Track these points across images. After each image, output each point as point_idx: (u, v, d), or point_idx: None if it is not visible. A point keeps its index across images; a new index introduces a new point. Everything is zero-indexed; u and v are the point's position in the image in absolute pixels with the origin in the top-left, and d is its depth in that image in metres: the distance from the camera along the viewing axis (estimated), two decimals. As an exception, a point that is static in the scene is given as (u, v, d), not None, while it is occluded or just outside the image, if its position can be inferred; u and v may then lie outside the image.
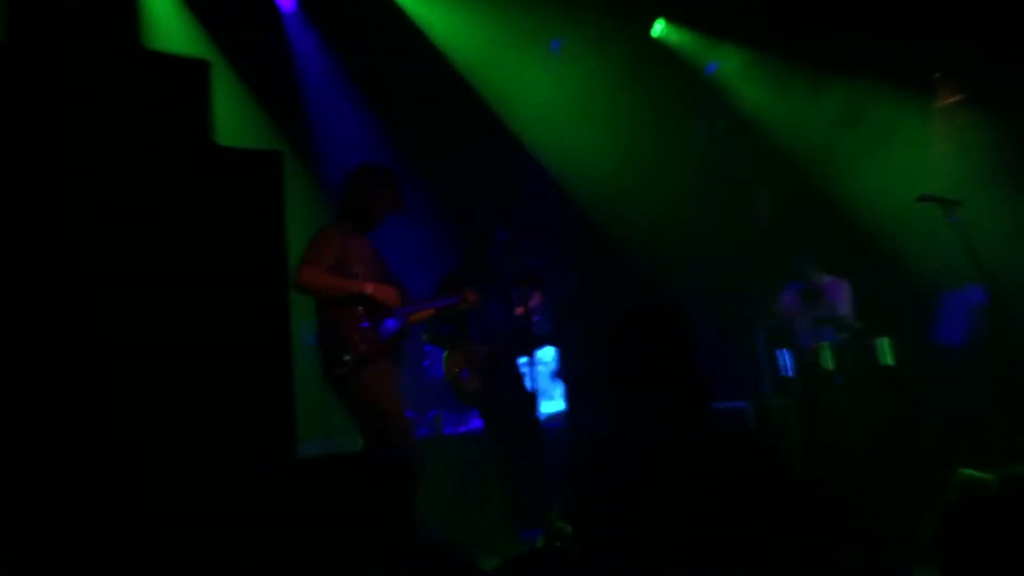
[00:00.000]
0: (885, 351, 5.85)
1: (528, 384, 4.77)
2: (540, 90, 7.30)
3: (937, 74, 7.55)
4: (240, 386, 2.11)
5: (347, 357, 4.02)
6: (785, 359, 6.01)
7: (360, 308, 4.12)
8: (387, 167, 4.59)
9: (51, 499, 1.84)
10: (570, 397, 6.39)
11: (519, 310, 4.81)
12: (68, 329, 1.93)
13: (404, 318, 4.28)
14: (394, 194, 4.41)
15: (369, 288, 4.11)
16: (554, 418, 6.53)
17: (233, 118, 5.76)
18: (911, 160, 7.33)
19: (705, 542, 1.85)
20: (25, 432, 1.85)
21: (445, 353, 5.01)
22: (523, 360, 4.95)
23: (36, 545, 1.80)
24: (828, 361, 5.82)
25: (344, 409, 4.24)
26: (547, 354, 6.85)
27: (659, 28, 7.53)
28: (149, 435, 1.97)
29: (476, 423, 6.01)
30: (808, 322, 6.13)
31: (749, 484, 1.94)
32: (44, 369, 1.89)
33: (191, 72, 2.22)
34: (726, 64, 7.83)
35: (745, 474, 1.95)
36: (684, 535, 1.85)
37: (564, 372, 6.58)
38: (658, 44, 7.63)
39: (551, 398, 6.48)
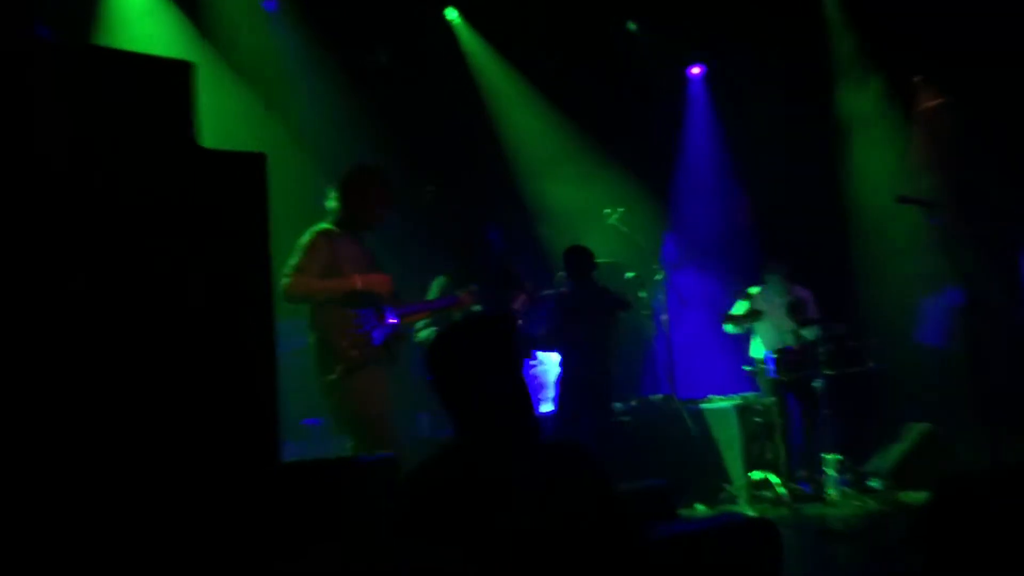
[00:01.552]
0: (869, 353, 5.90)
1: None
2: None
3: (917, 78, 7.62)
4: (222, 390, 2.10)
5: (338, 367, 4.02)
6: (769, 362, 6.04)
7: (351, 312, 4.10)
8: (375, 167, 4.53)
9: (32, 505, 1.83)
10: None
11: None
12: (44, 333, 1.91)
13: (398, 320, 4.27)
14: (383, 194, 4.37)
15: (358, 282, 4.09)
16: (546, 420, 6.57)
17: (232, 118, 5.72)
18: (892, 161, 7.41)
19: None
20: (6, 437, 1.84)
21: None
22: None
23: (24, 549, 1.79)
24: (811, 362, 5.85)
25: (332, 412, 4.23)
26: (546, 356, 6.86)
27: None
28: (129, 439, 1.96)
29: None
30: (791, 324, 6.16)
31: (571, 503, 1.90)
32: (19, 374, 1.87)
33: (173, 74, 2.21)
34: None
35: (569, 494, 1.92)
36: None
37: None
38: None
39: (545, 400, 6.48)
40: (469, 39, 7.44)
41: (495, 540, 1.83)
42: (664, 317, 6.60)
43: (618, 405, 6.25)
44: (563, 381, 5.80)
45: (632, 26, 7.62)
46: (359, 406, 4.08)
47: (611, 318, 5.82)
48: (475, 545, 1.81)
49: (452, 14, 7.36)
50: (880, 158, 7.43)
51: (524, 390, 2.03)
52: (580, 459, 2.01)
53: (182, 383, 2.04)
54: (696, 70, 8.16)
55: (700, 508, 5.77)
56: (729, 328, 6.33)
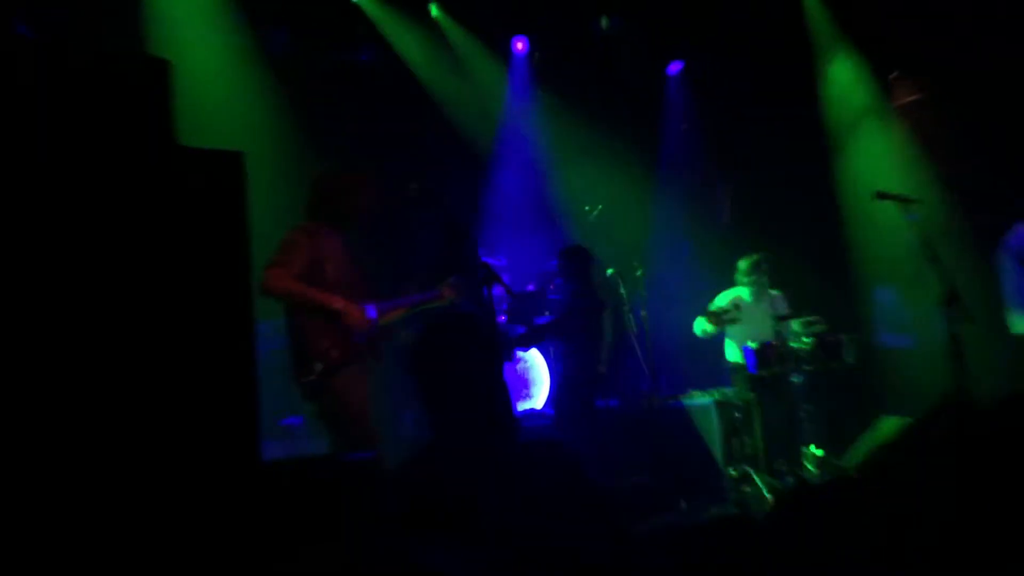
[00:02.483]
0: (848, 349, 5.94)
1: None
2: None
3: (894, 73, 7.68)
4: (202, 390, 2.09)
5: (318, 366, 3.98)
6: (749, 356, 6.07)
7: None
8: (361, 167, 4.50)
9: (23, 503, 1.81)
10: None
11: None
12: (24, 333, 1.89)
13: (378, 317, 4.25)
14: (368, 194, 4.35)
15: (338, 304, 4.03)
16: (530, 416, 6.58)
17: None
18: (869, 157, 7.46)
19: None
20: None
21: None
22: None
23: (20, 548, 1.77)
24: (790, 357, 5.90)
25: (313, 410, 4.20)
26: (530, 355, 6.86)
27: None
28: (110, 440, 1.94)
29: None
30: (764, 323, 6.21)
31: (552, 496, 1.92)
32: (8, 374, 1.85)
33: (152, 71, 2.18)
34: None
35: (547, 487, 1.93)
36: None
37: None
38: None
39: (529, 397, 6.49)
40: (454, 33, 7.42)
41: (477, 537, 1.83)
42: (644, 313, 6.61)
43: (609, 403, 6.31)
44: (565, 379, 5.88)
45: (605, 22, 7.62)
46: (339, 407, 4.04)
47: (602, 316, 5.89)
48: (458, 542, 1.81)
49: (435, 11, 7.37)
50: (866, 153, 7.48)
51: (504, 387, 2.03)
52: (560, 457, 2.02)
53: (162, 384, 2.02)
54: (674, 67, 8.18)
55: (681, 504, 5.79)
56: (701, 328, 6.35)
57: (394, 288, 4.74)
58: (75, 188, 2.01)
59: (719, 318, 6.20)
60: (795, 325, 6.03)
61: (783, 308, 6.41)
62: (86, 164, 2.03)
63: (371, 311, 4.21)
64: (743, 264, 6.50)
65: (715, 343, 6.53)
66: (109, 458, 1.92)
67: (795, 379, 5.95)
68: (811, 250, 7.05)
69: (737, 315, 6.21)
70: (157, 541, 1.86)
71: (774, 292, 6.48)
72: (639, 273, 6.51)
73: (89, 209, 2.01)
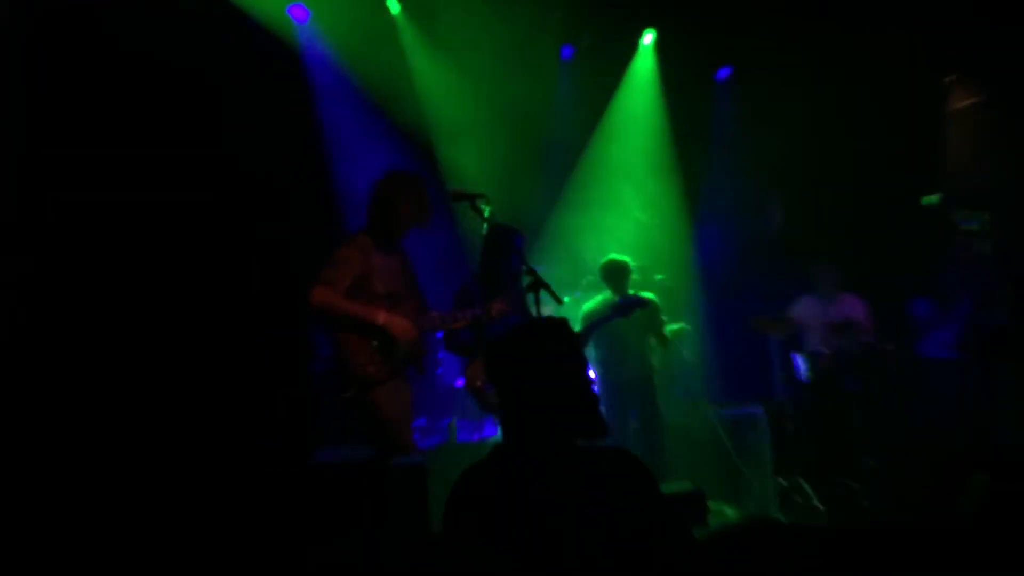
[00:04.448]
0: (897, 358, 5.84)
1: None
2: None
3: (951, 76, 7.52)
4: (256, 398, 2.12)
5: (355, 384, 4.00)
6: (799, 365, 5.99)
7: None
8: (414, 173, 4.44)
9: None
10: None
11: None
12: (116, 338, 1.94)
13: (426, 329, 4.26)
14: (420, 202, 4.29)
15: (381, 319, 4.03)
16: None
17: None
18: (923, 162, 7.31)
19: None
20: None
21: (467, 363, 4.95)
22: None
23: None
24: (842, 366, 5.80)
25: (354, 423, 4.23)
26: None
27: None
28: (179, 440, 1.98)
29: (491, 431, 6.00)
30: (822, 328, 6.11)
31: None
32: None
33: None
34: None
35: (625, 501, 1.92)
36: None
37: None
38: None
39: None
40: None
41: (543, 541, 1.83)
42: (694, 320, 6.57)
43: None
44: (607, 386, 5.90)
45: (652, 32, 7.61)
46: (377, 419, 4.07)
47: (640, 322, 5.87)
48: (522, 545, 1.82)
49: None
50: (910, 160, 7.33)
51: (583, 394, 2.04)
52: (630, 463, 2.02)
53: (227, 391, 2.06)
54: (723, 73, 8.10)
55: (729, 513, 5.72)
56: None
57: (451, 302, 4.74)
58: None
59: (772, 329, 6.13)
60: (844, 340, 5.94)
61: (861, 315, 6.28)
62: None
63: (420, 324, 4.22)
64: (812, 268, 6.44)
65: (769, 350, 6.44)
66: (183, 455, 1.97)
67: (850, 389, 5.84)
68: (864, 259, 6.91)
69: (794, 320, 6.15)
70: (205, 536, 1.90)
71: (852, 298, 6.37)
72: (659, 278, 6.48)
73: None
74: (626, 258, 6.08)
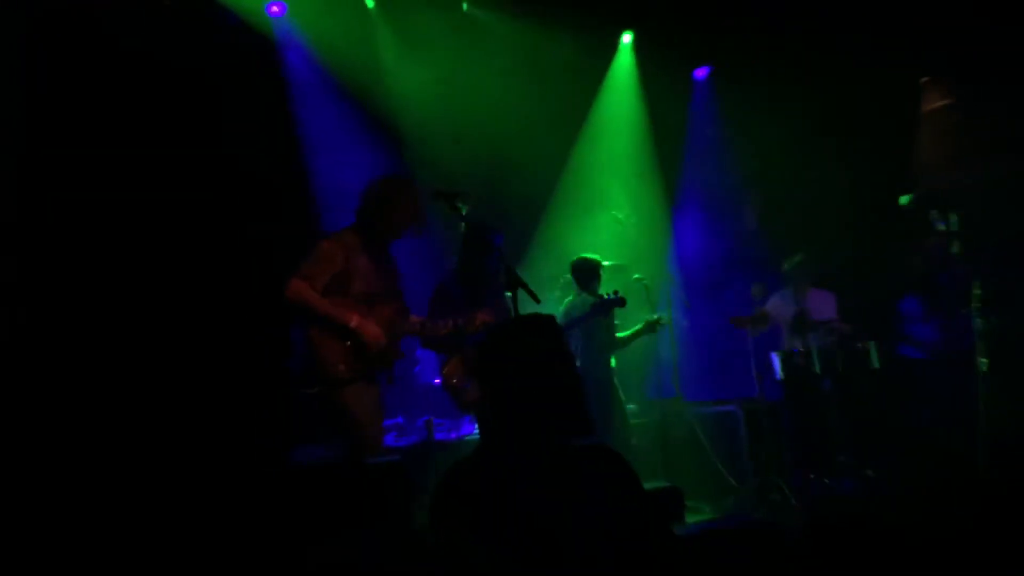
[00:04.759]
0: (873, 355, 5.90)
1: None
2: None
3: (925, 78, 7.60)
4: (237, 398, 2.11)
5: (321, 381, 3.96)
6: (774, 362, 6.03)
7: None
8: (407, 178, 4.40)
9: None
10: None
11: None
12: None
13: (401, 335, 4.23)
14: (416, 208, 4.24)
15: (353, 322, 3.99)
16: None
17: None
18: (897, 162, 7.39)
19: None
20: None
21: (444, 361, 4.92)
22: None
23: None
24: (817, 364, 5.86)
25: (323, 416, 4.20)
26: None
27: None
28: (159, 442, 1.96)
29: (469, 429, 5.99)
30: (797, 326, 6.16)
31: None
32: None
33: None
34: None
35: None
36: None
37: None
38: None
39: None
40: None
41: (534, 540, 1.83)
42: (669, 319, 6.58)
43: (631, 407, 6.26)
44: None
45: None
46: (345, 422, 4.03)
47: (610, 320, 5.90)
48: (513, 544, 1.82)
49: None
50: (886, 158, 7.41)
51: (572, 391, 2.03)
52: (616, 461, 2.03)
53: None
54: (701, 72, 8.14)
55: (707, 511, 5.75)
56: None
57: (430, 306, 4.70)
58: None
59: (747, 324, 6.16)
60: (814, 339, 5.99)
61: (831, 310, 6.33)
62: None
63: (399, 329, 4.19)
64: (785, 266, 6.48)
65: (744, 348, 6.47)
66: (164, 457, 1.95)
67: (824, 386, 5.90)
68: (839, 256, 6.97)
69: (768, 316, 6.19)
70: (187, 536, 1.89)
71: (822, 293, 6.43)
72: (637, 277, 6.51)
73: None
74: (596, 256, 6.09)
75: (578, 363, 6.00)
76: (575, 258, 6.09)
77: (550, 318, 2.19)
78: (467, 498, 1.89)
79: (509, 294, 4.28)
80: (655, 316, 5.98)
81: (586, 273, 5.97)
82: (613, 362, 5.97)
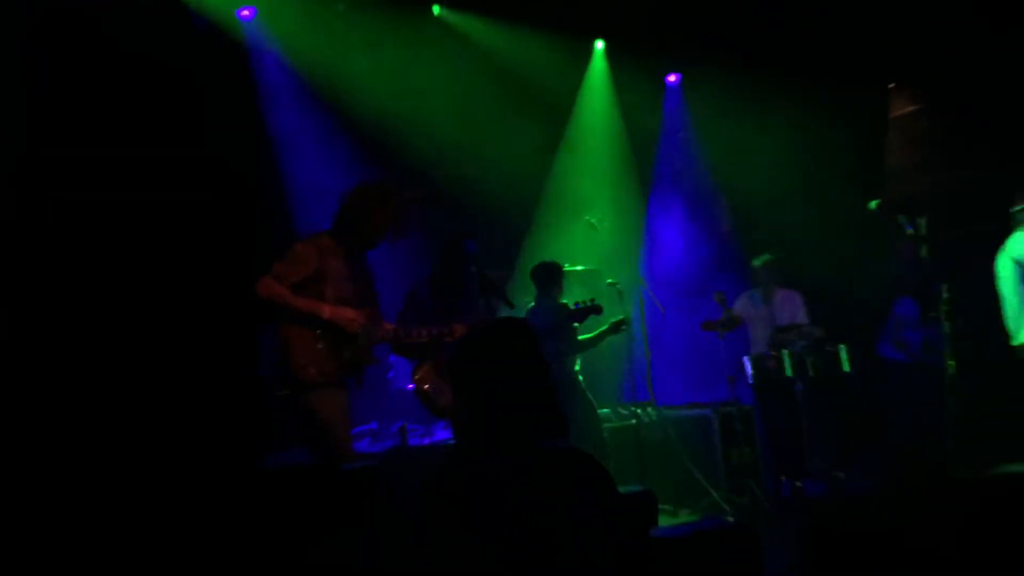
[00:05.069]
0: (843, 358, 5.95)
1: None
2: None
3: (892, 84, 7.70)
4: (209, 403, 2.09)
5: (290, 384, 3.91)
6: (746, 366, 6.08)
7: (317, 332, 3.97)
8: (387, 187, 4.31)
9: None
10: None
11: None
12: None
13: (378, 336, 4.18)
14: (397, 218, 4.20)
15: (327, 312, 3.95)
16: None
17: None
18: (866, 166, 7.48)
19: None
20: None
21: (415, 366, 4.88)
22: None
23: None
24: (789, 368, 5.90)
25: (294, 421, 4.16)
26: None
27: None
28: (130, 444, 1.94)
29: (442, 434, 5.97)
30: (769, 330, 6.21)
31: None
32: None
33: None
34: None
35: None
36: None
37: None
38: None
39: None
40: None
41: (520, 542, 1.83)
42: (642, 323, 6.61)
43: (604, 411, 6.26)
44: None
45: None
46: (315, 427, 3.98)
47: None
48: (498, 546, 1.82)
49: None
50: (855, 162, 7.50)
51: (547, 393, 2.04)
52: (588, 464, 2.03)
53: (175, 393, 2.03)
54: (672, 78, 8.20)
55: (680, 514, 5.78)
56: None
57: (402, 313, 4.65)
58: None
59: (718, 327, 6.18)
60: (787, 341, 6.04)
61: (798, 310, 6.38)
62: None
63: (374, 336, 4.15)
64: (754, 264, 6.52)
65: (716, 352, 6.52)
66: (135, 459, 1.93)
67: (796, 389, 5.95)
68: (813, 259, 7.04)
69: (739, 319, 6.23)
70: (159, 540, 1.87)
71: (788, 293, 6.48)
72: (638, 283, 6.52)
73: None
74: (558, 262, 6.06)
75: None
76: (535, 264, 6.07)
77: (523, 322, 2.20)
78: (453, 503, 1.88)
79: (483, 301, 4.27)
80: (619, 316, 5.95)
81: (546, 278, 5.92)
82: (578, 364, 5.95)
